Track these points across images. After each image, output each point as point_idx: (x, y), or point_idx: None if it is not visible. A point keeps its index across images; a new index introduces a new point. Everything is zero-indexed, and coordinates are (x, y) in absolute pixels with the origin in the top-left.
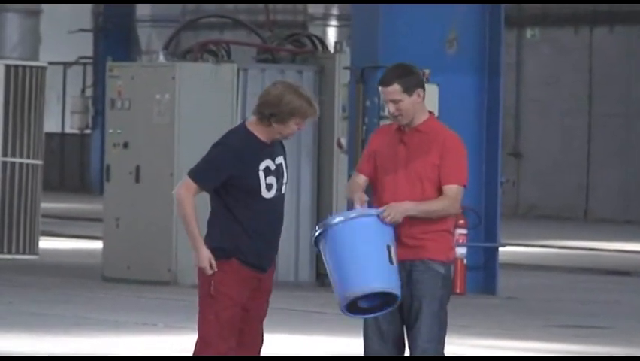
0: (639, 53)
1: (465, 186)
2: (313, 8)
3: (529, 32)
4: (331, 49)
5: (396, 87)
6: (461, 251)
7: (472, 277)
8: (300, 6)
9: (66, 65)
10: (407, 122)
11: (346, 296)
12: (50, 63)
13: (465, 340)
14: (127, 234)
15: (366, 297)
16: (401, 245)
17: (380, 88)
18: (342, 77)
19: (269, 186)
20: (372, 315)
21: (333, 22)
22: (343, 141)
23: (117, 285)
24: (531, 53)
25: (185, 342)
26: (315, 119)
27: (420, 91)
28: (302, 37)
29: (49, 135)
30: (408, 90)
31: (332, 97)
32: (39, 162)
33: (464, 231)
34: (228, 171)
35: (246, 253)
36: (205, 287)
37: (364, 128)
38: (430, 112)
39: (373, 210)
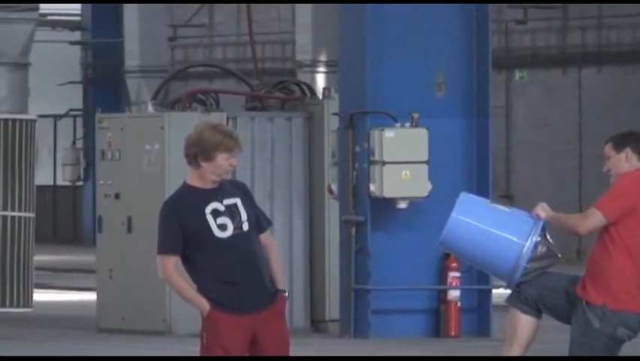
0: (627, 92)
1: (603, 212)
2: (301, 55)
3: (517, 74)
4: (320, 95)
5: (609, 145)
6: (455, 294)
7: (467, 319)
8: (288, 53)
9: (56, 117)
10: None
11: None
12: (40, 116)
13: None
14: (120, 284)
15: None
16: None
17: None
18: (331, 123)
19: (222, 227)
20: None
21: (322, 69)
22: (334, 187)
23: (112, 336)
24: (520, 94)
25: None
26: (240, 152)
27: (629, 150)
28: (290, 84)
29: (41, 188)
30: (617, 148)
31: (322, 143)
32: (31, 215)
33: (457, 274)
34: (178, 225)
35: (217, 300)
36: (201, 339)
37: (354, 173)
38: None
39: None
